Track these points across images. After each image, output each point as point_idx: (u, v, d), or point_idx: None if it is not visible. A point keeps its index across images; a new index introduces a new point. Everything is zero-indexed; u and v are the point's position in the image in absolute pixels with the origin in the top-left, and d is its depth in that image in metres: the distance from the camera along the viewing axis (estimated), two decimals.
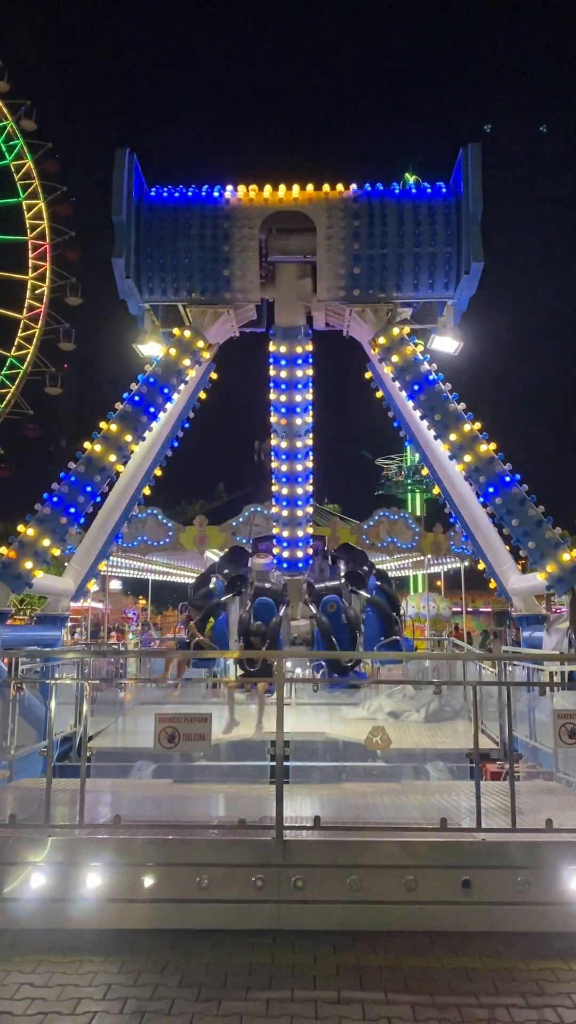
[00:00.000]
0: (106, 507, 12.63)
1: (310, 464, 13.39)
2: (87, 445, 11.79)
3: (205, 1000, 4.54)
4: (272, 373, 12.95)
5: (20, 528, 11.21)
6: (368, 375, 13.19)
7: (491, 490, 11.37)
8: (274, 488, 13.43)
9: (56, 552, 11.51)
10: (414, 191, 12.48)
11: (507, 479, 11.32)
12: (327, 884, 5.49)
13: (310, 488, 13.49)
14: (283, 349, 12.72)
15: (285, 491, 13.25)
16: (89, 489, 11.60)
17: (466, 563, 20.44)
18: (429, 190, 12.39)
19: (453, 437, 11.62)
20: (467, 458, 11.52)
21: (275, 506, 13.48)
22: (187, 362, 12.30)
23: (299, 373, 12.87)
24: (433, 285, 12.09)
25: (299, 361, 12.85)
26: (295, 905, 5.44)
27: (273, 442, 13.40)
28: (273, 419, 13.14)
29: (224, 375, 13.96)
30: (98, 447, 11.69)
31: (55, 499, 11.40)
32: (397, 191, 12.36)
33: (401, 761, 9.15)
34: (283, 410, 12.96)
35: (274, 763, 6.10)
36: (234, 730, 9.75)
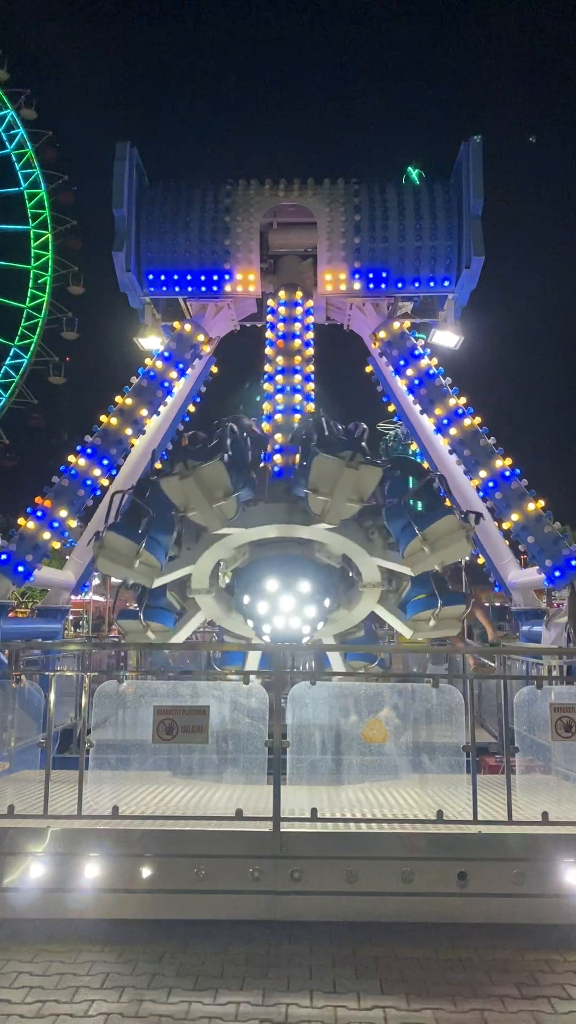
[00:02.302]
0: (106, 500, 12.66)
1: (311, 408, 10.93)
2: (88, 438, 11.86)
3: (202, 989, 4.58)
4: (269, 319, 11.74)
5: (20, 521, 11.27)
6: (369, 369, 13.19)
7: (491, 484, 11.39)
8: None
9: (56, 545, 11.58)
10: (416, 185, 12.47)
11: (507, 474, 11.34)
12: (324, 875, 5.52)
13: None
14: (282, 295, 11.66)
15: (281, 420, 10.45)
16: (89, 483, 11.67)
17: (467, 558, 20.41)
18: (431, 184, 12.38)
19: (453, 431, 11.64)
20: (467, 452, 11.54)
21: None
22: (187, 356, 12.31)
23: (299, 312, 11.53)
24: (434, 279, 12.09)
25: (298, 308, 11.61)
26: (292, 896, 5.48)
27: (266, 408, 10.96)
28: (267, 388, 11.09)
29: (225, 368, 13.94)
30: (98, 440, 11.78)
31: (55, 492, 11.48)
32: (398, 185, 12.36)
33: (399, 754, 9.17)
34: (281, 340, 11.20)
35: (272, 756, 6.13)
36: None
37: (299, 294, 11.81)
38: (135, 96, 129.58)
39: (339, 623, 9.33)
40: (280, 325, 11.43)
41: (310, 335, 11.54)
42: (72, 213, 46.05)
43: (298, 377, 10.85)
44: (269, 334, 11.58)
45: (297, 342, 11.17)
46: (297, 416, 10.48)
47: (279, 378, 10.86)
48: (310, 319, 11.80)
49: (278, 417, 10.56)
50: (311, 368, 11.19)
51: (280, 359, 11.00)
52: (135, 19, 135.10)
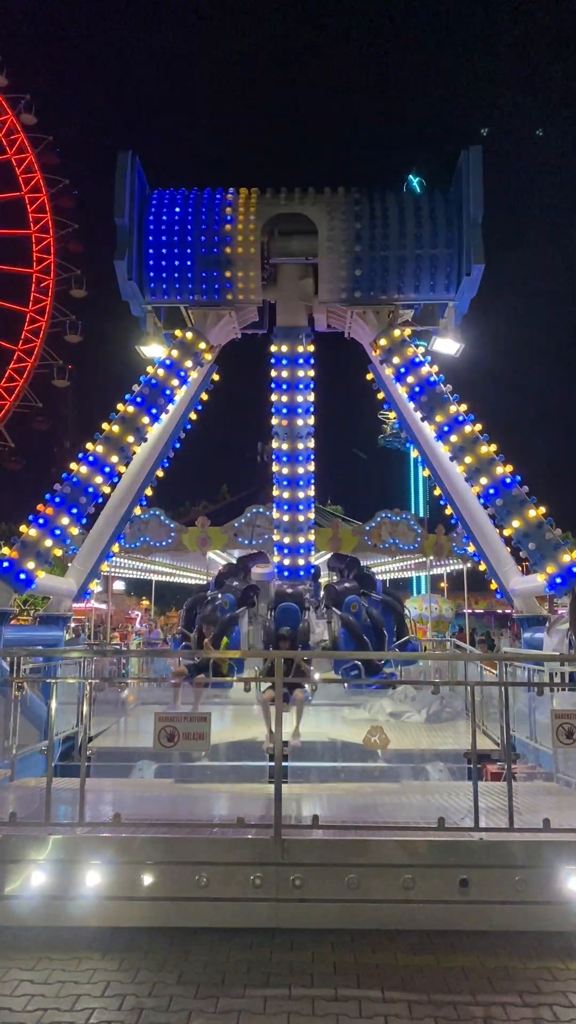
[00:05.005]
0: (108, 508, 12.69)
1: (311, 468, 13.27)
2: (89, 446, 11.87)
3: (203, 997, 4.56)
4: (274, 374, 12.94)
5: (22, 528, 11.29)
6: (370, 376, 13.22)
7: (492, 491, 11.41)
8: (275, 493, 13.27)
9: (58, 552, 11.58)
10: (416, 193, 12.57)
11: (508, 480, 11.35)
12: (325, 883, 5.51)
13: (311, 493, 13.32)
14: (284, 349, 12.71)
15: (287, 495, 13.12)
16: (91, 490, 11.68)
17: (468, 564, 20.43)
18: (431, 192, 12.45)
19: (454, 438, 11.66)
20: (468, 459, 11.56)
21: (276, 512, 13.29)
22: (189, 363, 12.35)
23: (300, 373, 12.83)
24: (434, 287, 12.13)
25: (300, 361, 12.80)
26: (293, 904, 5.47)
27: (274, 444, 13.31)
28: (275, 421, 13.12)
29: (227, 375, 14.01)
30: (100, 448, 11.78)
31: (57, 500, 11.48)
32: (399, 193, 12.41)
33: (400, 761, 9.16)
34: (284, 411, 12.93)
35: (273, 763, 6.13)
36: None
37: (300, 348, 12.91)
38: (135, 101, 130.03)
39: None
40: (284, 397, 12.79)
41: (311, 397, 13.19)
42: (73, 217, 46.40)
43: (301, 445, 13.10)
44: (275, 396, 13.04)
45: (300, 421, 12.99)
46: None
47: (285, 447, 13.12)
48: (311, 372, 13.09)
49: (285, 518, 13.08)
50: (312, 420, 13.30)
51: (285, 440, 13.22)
52: (135, 24, 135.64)
